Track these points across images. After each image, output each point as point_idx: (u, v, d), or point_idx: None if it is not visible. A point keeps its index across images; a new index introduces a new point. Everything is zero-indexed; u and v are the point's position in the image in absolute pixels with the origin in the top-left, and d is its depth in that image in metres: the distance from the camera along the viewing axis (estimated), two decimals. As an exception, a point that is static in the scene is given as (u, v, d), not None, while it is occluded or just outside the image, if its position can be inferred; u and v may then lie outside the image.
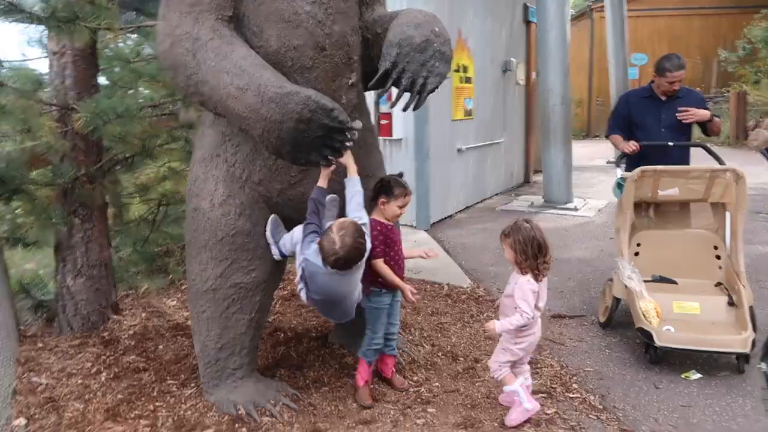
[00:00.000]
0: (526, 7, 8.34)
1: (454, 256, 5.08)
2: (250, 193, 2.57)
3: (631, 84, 10.34)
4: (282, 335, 3.55)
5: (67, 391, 2.93)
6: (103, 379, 3.05)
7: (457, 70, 6.44)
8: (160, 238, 4.44)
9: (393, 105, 2.60)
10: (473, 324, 3.65)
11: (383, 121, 5.84)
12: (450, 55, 2.56)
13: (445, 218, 6.46)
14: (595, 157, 11.95)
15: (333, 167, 2.41)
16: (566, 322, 3.66)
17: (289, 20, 2.34)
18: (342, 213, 2.53)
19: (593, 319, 3.66)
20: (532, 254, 2.46)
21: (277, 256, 2.61)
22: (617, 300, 3.32)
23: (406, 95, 2.52)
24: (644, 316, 2.95)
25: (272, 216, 2.64)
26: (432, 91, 2.53)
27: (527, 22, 8.44)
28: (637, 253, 3.47)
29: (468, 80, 6.74)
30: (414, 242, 5.53)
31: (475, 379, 2.96)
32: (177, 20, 2.31)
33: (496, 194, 7.88)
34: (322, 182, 2.43)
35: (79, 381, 3.03)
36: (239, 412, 2.65)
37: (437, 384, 2.93)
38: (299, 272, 2.46)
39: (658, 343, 2.82)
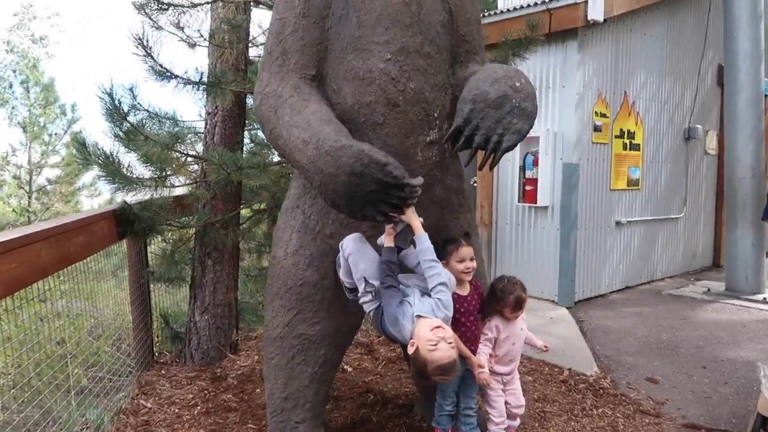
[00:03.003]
0: (721, 69, 7.43)
1: (589, 339, 4.52)
2: (321, 246, 2.59)
3: None
4: (371, 397, 3.45)
5: (162, 418, 3.17)
6: (195, 412, 3.24)
7: (620, 136, 5.92)
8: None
9: (467, 164, 2.45)
10: (582, 419, 3.16)
11: (528, 187, 5.55)
12: (533, 111, 2.36)
13: (596, 297, 5.83)
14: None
15: (396, 225, 2.33)
16: (700, 435, 2.99)
17: (363, 78, 2.38)
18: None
19: (738, 438, 2.93)
20: None
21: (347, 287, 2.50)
22: (763, 418, 2.62)
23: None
24: (781, 443, 2.27)
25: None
26: (508, 149, 2.34)
27: (722, 85, 7.50)
28: (803, 362, 2.73)
29: (635, 147, 6.15)
30: (550, 319, 5.06)
31: (557, 483, 2.54)
32: (267, 79, 2.49)
33: (670, 276, 6.92)
34: (388, 242, 2.35)
35: (176, 411, 3.26)
36: (293, 468, 2.60)
37: (511, 481, 2.57)
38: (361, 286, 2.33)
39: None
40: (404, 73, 2.38)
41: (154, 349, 4.19)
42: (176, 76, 3.41)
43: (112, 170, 3.04)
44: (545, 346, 2.76)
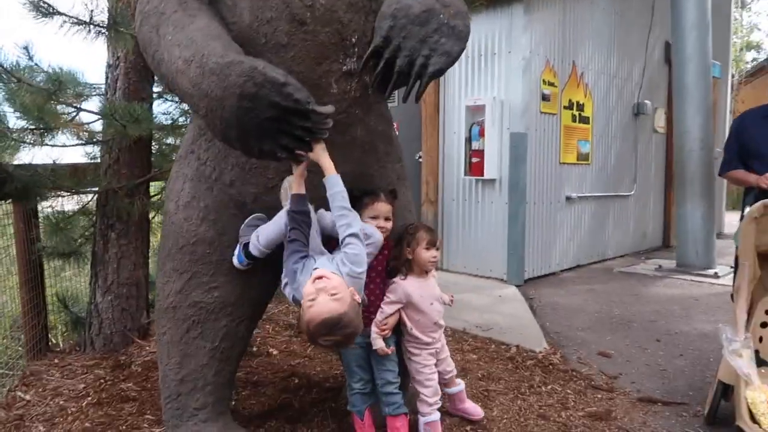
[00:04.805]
0: (668, 46, 7.31)
1: (539, 316, 4.23)
2: (219, 196, 2.17)
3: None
4: (296, 381, 3.05)
5: (41, 411, 2.68)
6: (84, 404, 2.77)
7: (569, 107, 5.68)
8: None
9: (389, 93, 2.07)
10: (529, 396, 2.84)
11: (474, 159, 5.24)
12: (464, 31, 2.00)
13: (546, 275, 5.57)
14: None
15: (304, 164, 1.93)
16: (657, 408, 2.70)
17: (262, -12, 1.97)
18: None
19: (698, 410, 2.66)
20: None
21: (235, 262, 2.14)
22: (724, 386, 2.34)
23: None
24: (749, 410, 1.99)
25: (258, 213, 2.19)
26: (436, 74, 1.97)
27: (670, 63, 7.38)
28: (765, 324, 2.48)
29: (584, 120, 5.92)
30: (498, 297, 4.76)
31: (499, 468, 2.19)
32: (148, -4, 2.06)
33: (620, 256, 6.74)
34: (297, 187, 1.94)
35: (62, 402, 2.78)
36: (190, 463, 2.17)
37: (445, 467, 2.21)
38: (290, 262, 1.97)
39: (757, 452, 1.86)
40: (312, -15, 1.98)
41: (50, 335, 3.66)
42: (60, 13, 2.90)
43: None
44: (451, 298, 2.46)
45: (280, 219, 2.01)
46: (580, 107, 5.84)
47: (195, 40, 1.84)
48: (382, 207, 2.17)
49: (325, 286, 1.66)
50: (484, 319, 4.13)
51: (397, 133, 2.60)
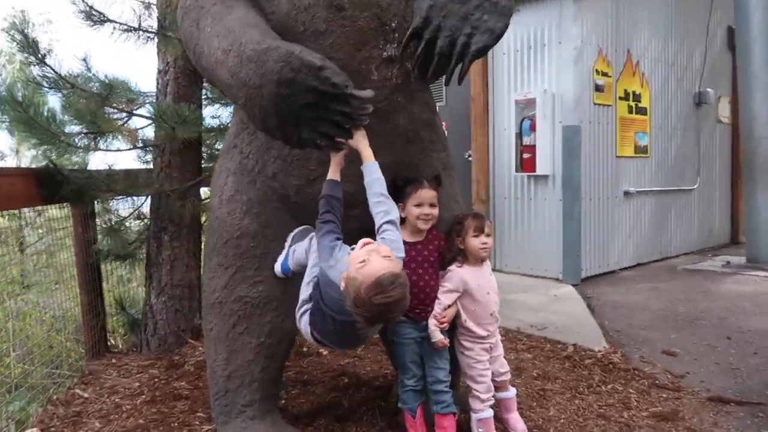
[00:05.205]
0: (730, 31, 6.92)
1: (597, 315, 4.03)
2: (262, 189, 2.16)
3: None
4: (345, 380, 3.00)
5: (98, 408, 2.74)
6: (138, 401, 2.81)
7: (625, 98, 5.44)
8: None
9: (431, 77, 2.00)
10: (587, 396, 2.69)
11: (526, 155, 5.08)
12: (507, 6, 1.91)
13: (605, 274, 5.32)
14: None
15: (342, 152, 1.89)
16: (729, 409, 2.50)
17: (298, -25, 1.94)
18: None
19: (776, 411, 2.45)
20: None
21: (277, 268, 2.13)
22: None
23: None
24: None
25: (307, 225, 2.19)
26: (479, 53, 1.89)
27: (733, 49, 6.99)
28: None
29: (641, 111, 5.66)
30: (554, 296, 4.59)
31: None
32: (188, -10, 2.08)
33: (685, 253, 6.38)
34: (333, 173, 1.91)
35: (117, 400, 2.83)
36: (239, 461, 2.15)
37: (501, 468, 2.11)
38: (307, 290, 1.96)
39: None
40: (348, -32, 1.94)
41: (110, 337, 3.77)
42: (111, 21, 2.99)
43: (25, 119, 2.58)
44: None
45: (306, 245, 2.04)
46: (637, 97, 5.59)
47: (233, 29, 1.84)
48: (426, 193, 2.11)
49: (377, 248, 1.64)
50: (539, 318, 3.98)
51: (446, 133, 2.54)
